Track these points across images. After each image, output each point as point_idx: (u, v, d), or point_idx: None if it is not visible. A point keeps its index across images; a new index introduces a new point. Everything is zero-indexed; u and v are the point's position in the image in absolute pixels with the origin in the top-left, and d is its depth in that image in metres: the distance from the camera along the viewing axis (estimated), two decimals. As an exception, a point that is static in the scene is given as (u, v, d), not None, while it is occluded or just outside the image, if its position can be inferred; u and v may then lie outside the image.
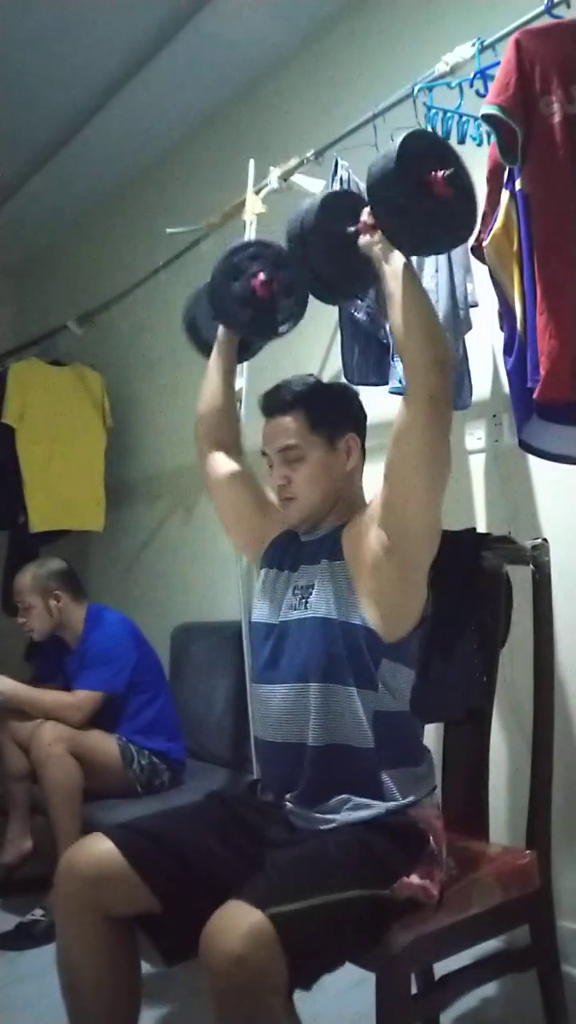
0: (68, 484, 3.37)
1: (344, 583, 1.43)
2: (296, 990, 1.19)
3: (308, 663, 1.42)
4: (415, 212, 1.35)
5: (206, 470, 1.73)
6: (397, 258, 1.37)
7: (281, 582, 1.54)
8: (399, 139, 1.35)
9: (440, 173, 1.34)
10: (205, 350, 1.79)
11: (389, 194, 1.35)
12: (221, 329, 1.74)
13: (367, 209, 1.42)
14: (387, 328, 2.02)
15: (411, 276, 1.37)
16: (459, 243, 1.53)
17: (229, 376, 1.74)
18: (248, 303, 1.65)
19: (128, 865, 1.31)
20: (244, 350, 1.81)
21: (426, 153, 1.37)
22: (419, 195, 1.35)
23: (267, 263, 1.67)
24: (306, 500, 1.51)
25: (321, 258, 1.48)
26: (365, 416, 1.59)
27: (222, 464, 1.70)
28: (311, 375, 1.61)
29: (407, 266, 1.36)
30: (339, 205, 1.49)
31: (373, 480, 1.55)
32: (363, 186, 2.11)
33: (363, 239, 1.42)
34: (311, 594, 1.46)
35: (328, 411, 1.53)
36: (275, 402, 1.54)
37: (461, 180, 1.38)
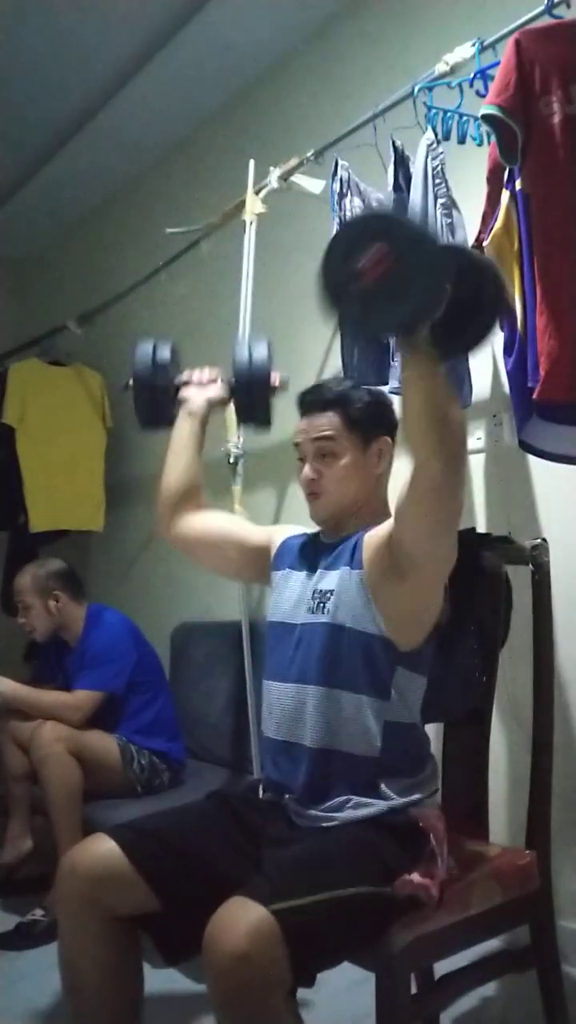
0: (68, 484, 3.37)
1: (361, 592, 1.42)
2: (299, 988, 1.19)
3: (317, 667, 1.42)
4: (351, 308, 1.21)
5: (177, 538, 1.69)
6: (411, 364, 1.27)
7: (300, 583, 1.54)
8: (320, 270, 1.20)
9: (363, 260, 1.15)
10: (156, 426, 1.78)
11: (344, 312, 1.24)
12: (198, 399, 1.76)
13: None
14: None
15: (413, 382, 1.26)
16: (428, 314, 1.22)
17: (200, 448, 1.72)
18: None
19: (130, 865, 1.31)
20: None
21: (348, 249, 1.17)
22: (352, 287, 1.17)
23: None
24: (333, 497, 1.51)
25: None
26: (397, 424, 1.56)
27: (197, 525, 1.68)
28: (348, 378, 1.63)
29: (413, 373, 1.26)
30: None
31: (393, 480, 1.56)
32: (363, 186, 2.13)
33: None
34: (329, 599, 1.45)
35: (364, 413, 1.52)
36: (315, 399, 1.54)
37: (387, 261, 1.15)
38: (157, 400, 1.75)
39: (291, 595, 1.54)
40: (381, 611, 1.40)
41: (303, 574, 1.55)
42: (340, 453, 1.50)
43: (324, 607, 1.45)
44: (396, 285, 1.15)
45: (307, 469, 1.53)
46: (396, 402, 1.45)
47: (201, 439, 1.72)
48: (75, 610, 2.60)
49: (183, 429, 1.71)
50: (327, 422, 1.51)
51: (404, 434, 1.32)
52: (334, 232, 1.31)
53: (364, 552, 1.45)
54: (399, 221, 1.26)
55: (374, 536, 1.45)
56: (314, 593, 1.49)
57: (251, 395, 1.69)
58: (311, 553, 1.57)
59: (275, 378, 1.69)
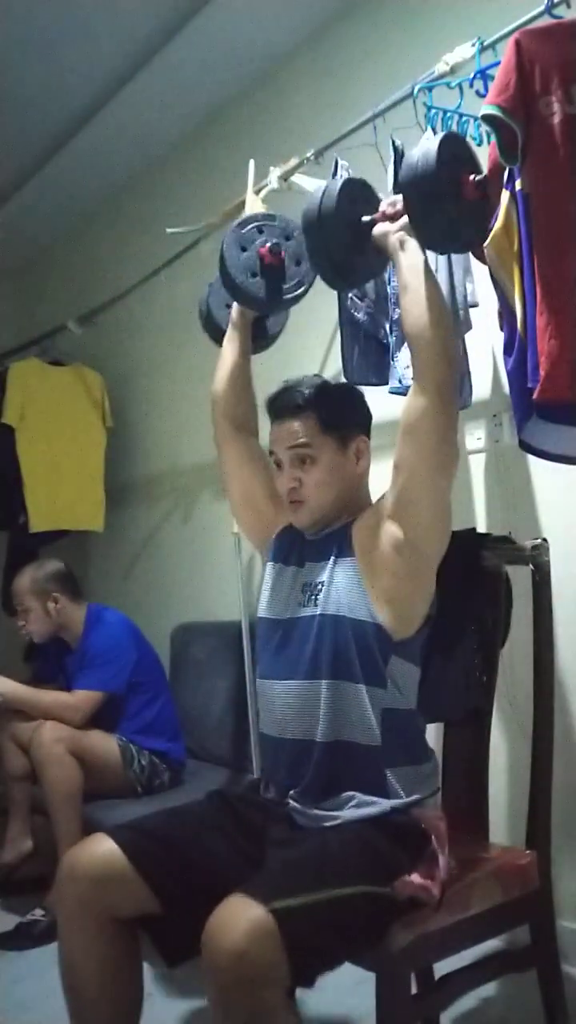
0: (68, 484, 3.37)
1: (354, 579, 1.43)
2: (298, 988, 1.19)
3: (318, 660, 1.42)
4: (447, 209, 1.41)
5: (223, 453, 1.72)
6: (415, 250, 1.42)
7: (288, 577, 1.54)
8: (438, 138, 1.41)
9: (473, 177, 1.43)
10: (219, 338, 1.80)
11: (426, 187, 1.39)
12: (235, 308, 1.75)
13: (388, 199, 1.47)
14: (387, 328, 2.03)
15: (428, 269, 1.41)
16: (474, 248, 1.57)
17: (244, 354, 1.73)
18: (258, 273, 1.67)
19: (130, 865, 1.31)
20: (260, 339, 1.81)
21: (461, 156, 1.45)
22: (452, 193, 1.41)
23: (274, 233, 1.71)
24: (317, 503, 1.51)
25: (336, 240, 1.49)
26: (371, 418, 1.59)
27: (240, 450, 1.69)
28: (317, 375, 1.61)
29: (426, 261, 1.41)
30: (356, 193, 1.52)
31: (377, 480, 1.55)
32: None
33: (379, 228, 1.46)
34: (320, 591, 1.45)
35: (339, 413, 1.52)
36: (285, 404, 1.53)
37: (488, 188, 1.43)
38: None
39: (281, 591, 1.54)
40: (374, 597, 1.40)
41: (292, 569, 1.55)
42: (318, 458, 1.49)
43: (315, 599, 1.45)
44: (479, 212, 1.47)
45: (285, 479, 1.52)
46: (400, 403, 1.45)
47: (240, 343, 1.72)
48: (75, 611, 2.60)
49: (227, 334, 1.74)
50: (300, 427, 1.50)
51: (408, 339, 1.42)
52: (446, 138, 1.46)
53: (355, 536, 1.46)
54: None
55: (365, 519, 1.47)
56: (304, 587, 1.49)
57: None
58: (298, 547, 1.57)
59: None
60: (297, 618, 1.48)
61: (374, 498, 1.54)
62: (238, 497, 1.71)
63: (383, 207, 1.48)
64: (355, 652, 1.40)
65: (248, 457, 1.69)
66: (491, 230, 1.69)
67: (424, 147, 1.41)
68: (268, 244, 1.67)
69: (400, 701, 1.43)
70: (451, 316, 1.49)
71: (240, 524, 1.77)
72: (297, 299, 1.72)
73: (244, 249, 1.68)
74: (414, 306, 1.39)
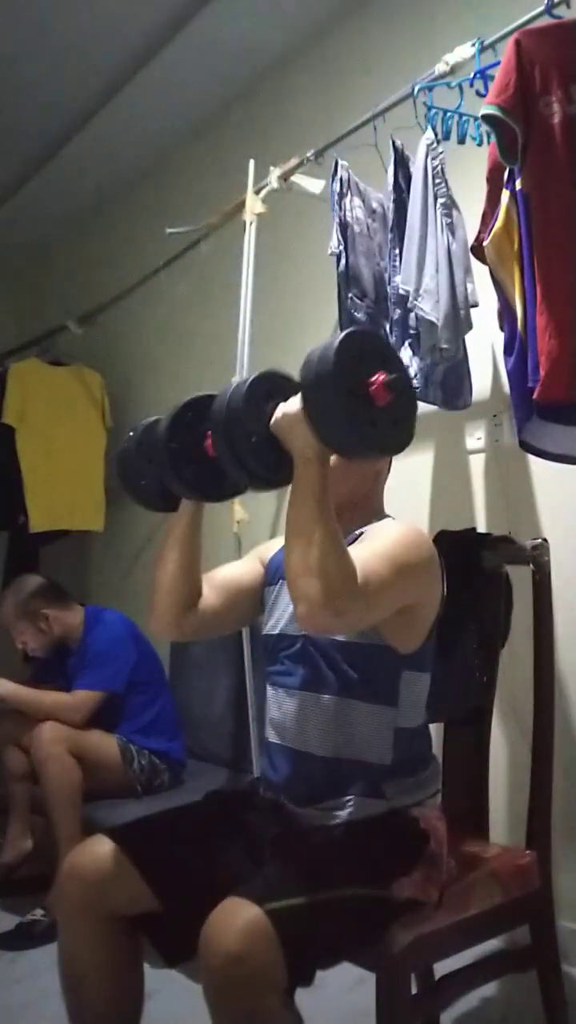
0: (68, 484, 3.37)
1: None
2: (297, 987, 1.19)
3: (323, 678, 1.40)
4: (348, 417, 1.21)
5: (190, 631, 1.53)
6: (305, 448, 1.25)
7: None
8: (338, 339, 1.21)
9: (380, 378, 1.21)
10: (145, 499, 1.52)
11: (322, 396, 1.20)
12: (183, 507, 1.50)
13: (287, 404, 1.28)
14: (387, 328, 2.03)
15: (311, 472, 1.25)
16: (392, 453, 1.38)
17: (198, 550, 1.51)
18: (198, 461, 1.41)
19: (130, 866, 1.31)
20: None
21: (367, 354, 1.23)
22: (354, 399, 1.21)
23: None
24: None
25: (245, 449, 1.28)
26: None
27: (205, 612, 1.52)
28: None
29: (310, 461, 1.24)
30: (265, 391, 1.31)
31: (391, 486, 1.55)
32: (363, 186, 2.13)
33: (274, 421, 1.29)
34: None
35: None
36: None
37: (402, 386, 1.24)
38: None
39: (285, 607, 1.47)
40: (380, 622, 1.37)
41: None
42: None
43: None
44: (393, 414, 1.25)
45: None
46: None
47: (194, 537, 1.51)
48: (69, 617, 2.59)
49: (179, 525, 1.50)
50: None
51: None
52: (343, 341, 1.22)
53: None
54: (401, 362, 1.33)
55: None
56: None
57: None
58: None
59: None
60: (300, 635, 1.44)
61: (386, 506, 1.53)
62: (244, 621, 1.68)
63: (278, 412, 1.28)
64: (365, 672, 1.39)
65: (219, 605, 1.53)
66: (491, 230, 1.70)
67: (323, 347, 1.21)
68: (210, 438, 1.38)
69: (412, 719, 1.42)
70: (333, 540, 1.24)
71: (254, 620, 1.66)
72: (237, 492, 1.49)
73: (189, 430, 1.42)
74: (290, 507, 1.25)
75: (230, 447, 1.29)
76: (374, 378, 1.22)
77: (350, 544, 1.43)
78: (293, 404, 1.26)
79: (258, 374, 1.33)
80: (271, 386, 1.32)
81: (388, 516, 1.52)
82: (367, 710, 1.38)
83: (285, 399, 1.29)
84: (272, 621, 1.53)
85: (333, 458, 1.35)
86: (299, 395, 1.25)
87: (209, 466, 1.39)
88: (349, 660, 1.39)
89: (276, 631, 1.50)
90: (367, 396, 1.22)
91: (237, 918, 1.13)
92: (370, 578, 1.24)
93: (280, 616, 1.51)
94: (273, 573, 1.57)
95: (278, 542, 1.63)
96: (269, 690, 1.51)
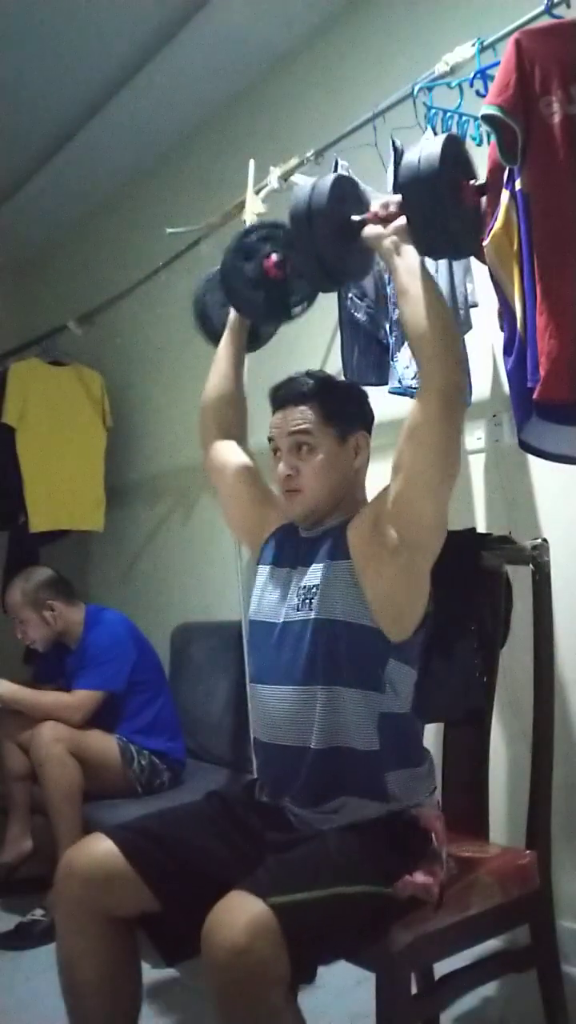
0: (68, 484, 3.37)
1: (350, 583, 1.41)
2: (299, 984, 1.19)
3: (313, 665, 1.41)
4: (447, 214, 1.37)
5: (210, 456, 1.72)
6: (412, 254, 1.39)
7: (282, 580, 1.52)
8: (440, 139, 1.36)
9: (472, 182, 1.37)
10: (214, 339, 1.78)
11: (428, 190, 1.35)
12: (232, 314, 1.73)
13: (380, 200, 1.43)
14: (387, 328, 2.02)
15: (427, 273, 1.39)
16: (471, 254, 1.55)
17: (238, 363, 1.73)
18: (260, 285, 1.62)
19: (129, 865, 1.31)
20: (253, 339, 1.79)
21: (460, 159, 1.40)
22: (453, 198, 1.37)
23: (279, 244, 1.63)
24: (312, 493, 1.49)
25: (325, 239, 1.43)
26: (373, 417, 1.58)
27: (227, 451, 1.70)
28: (321, 371, 1.60)
29: (423, 263, 1.39)
30: (346, 191, 1.47)
31: (375, 480, 1.55)
32: (363, 185, 2.13)
33: (369, 230, 1.43)
34: (315, 595, 1.43)
35: (341, 406, 1.52)
36: (289, 393, 1.52)
37: (486, 193, 1.40)
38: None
39: (273, 593, 1.51)
40: (371, 600, 1.39)
41: (284, 571, 1.52)
42: (317, 447, 1.48)
43: (310, 603, 1.43)
44: (477, 218, 1.46)
45: (282, 466, 1.50)
46: (400, 403, 1.45)
47: (235, 351, 1.73)
48: (73, 614, 2.60)
49: (222, 340, 1.74)
50: (302, 416, 1.49)
51: (411, 343, 1.40)
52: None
53: (350, 538, 1.44)
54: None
55: (360, 520, 1.45)
56: (299, 590, 1.46)
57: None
58: (291, 548, 1.55)
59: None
60: (290, 622, 1.46)
61: (369, 497, 1.54)
62: (230, 504, 1.71)
63: (375, 208, 1.44)
64: (351, 657, 1.39)
65: (238, 464, 1.68)
66: (491, 230, 1.70)
67: (425, 148, 1.36)
68: (274, 257, 1.61)
69: (397, 705, 1.42)
70: (453, 318, 1.46)
71: (233, 530, 1.77)
72: (298, 315, 1.69)
73: (248, 258, 1.63)
74: (415, 312, 1.36)
75: (313, 240, 1.43)
76: (465, 182, 1.40)
77: (336, 541, 1.46)
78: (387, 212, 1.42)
79: (336, 175, 1.48)
80: (349, 188, 1.49)
81: None
82: (352, 695, 1.38)
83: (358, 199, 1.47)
84: (256, 606, 1.54)
85: (319, 458, 1.47)
86: (393, 199, 1.41)
87: (272, 288, 1.61)
88: (339, 642, 1.39)
89: (260, 617, 1.52)
90: (458, 196, 1.39)
91: (242, 912, 1.13)
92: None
93: (267, 601, 1.52)
94: (265, 553, 1.59)
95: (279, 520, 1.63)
96: (252, 687, 1.51)
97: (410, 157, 1.37)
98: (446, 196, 1.37)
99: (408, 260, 1.39)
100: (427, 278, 1.39)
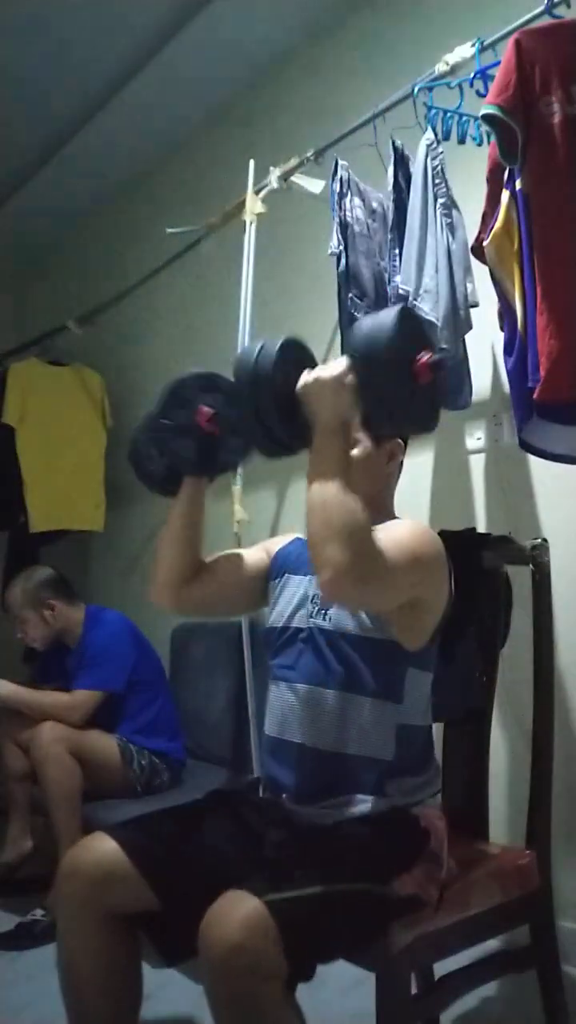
0: (68, 484, 3.37)
1: None
2: (298, 982, 1.19)
3: (327, 672, 1.40)
4: (396, 392, 1.26)
5: (187, 605, 1.58)
6: (332, 418, 1.28)
7: (298, 586, 1.51)
8: (394, 312, 1.26)
9: (427, 358, 1.26)
10: (151, 482, 1.60)
11: (374, 368, 1.25)
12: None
13: (325, 366, 1.31)
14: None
15: (335, 443, 1.28)
16: (422, 432, 1.43)
17: (198, 526, 1.56)
18: (190, 435, 1.49)
19: (130, 864, 1.31)
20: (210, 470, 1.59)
21: (416, 333, 1.29)
22: (403, 376, 1.26)
23: (217, 399, 1.50)
24: None
25: (268, 409, 1.31)
26: None
27: (210, 590, 1.57)
28: None
29: (334, 433, 1.28)
30: (297, 356, 1.35)
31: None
32: (363, 186, 2.13)
33: (303, 385, 1.31)
34: (331, 606, 1.43)
35: None
36: None
37: (442, 370, 1.29)
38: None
39: (291, 599, 1.51)
40: (387, 617, 1.38)
41: (302, 577, 1.52)
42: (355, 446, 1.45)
43: (326, 614, 1.43)
44: (429, 396, 1.32)
45: None
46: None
47: (194, 514, 1.56)
48: (72, 613, 2.60)
49: (179, 502, 1.56)
50: None
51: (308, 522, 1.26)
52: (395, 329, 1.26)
53: None
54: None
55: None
56: (314, 597, 1.47)
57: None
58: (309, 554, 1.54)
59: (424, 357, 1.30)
60: (307, 628, 1.45)
61: (396, 507, 1.54)
62: (243, 609, 1.71)
63: (310, 376, 1.30)
64: (370, 668, 1.39)
65: (224, 588, 1.57)
66: (491, 230, 1.70)
67: (379, 318, 1.26)
68: (208, 412, 1.47)
69: (416, 716, 1.42)
70: (350, 500, 1.25)
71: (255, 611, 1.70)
72: (225, 471, 1.58)
73: (182, 407, 1.49)
74: (309, 478, 1.26)
75: (254, 405, 1.31)
76: (421, 356, 1.26)
77: None
78: (331, 370, 1.28)
79: (286, 338, 1.34)
80: (298, 353, 1.35)
81: (398, 518, 1.53)
82: (371, 705, 1.38)
83: (306, 368, 1.32)
84: (276, 614, 1.54)
85: (354, 452, 1.39)
86: (339, 361, 1.28)
87: (203, 441, 1.48)
88: (356, 654, 1.39)
89: (280, 623, 1.51)
90: (412, 372, 1.26)
91: (237, 909, 1.13)
92: (389, 557, 1.26)
93: (285, 608, 1.52)
94: (279, 567, 1.59)
95: (285, 538, 1.65)
96: (271, 685, 1.51)
97: (361, 323, 1.27)
98: (390, 371, 1.25)
99: (323, 424, 1.28)
100: (328, 450, 1.27)
